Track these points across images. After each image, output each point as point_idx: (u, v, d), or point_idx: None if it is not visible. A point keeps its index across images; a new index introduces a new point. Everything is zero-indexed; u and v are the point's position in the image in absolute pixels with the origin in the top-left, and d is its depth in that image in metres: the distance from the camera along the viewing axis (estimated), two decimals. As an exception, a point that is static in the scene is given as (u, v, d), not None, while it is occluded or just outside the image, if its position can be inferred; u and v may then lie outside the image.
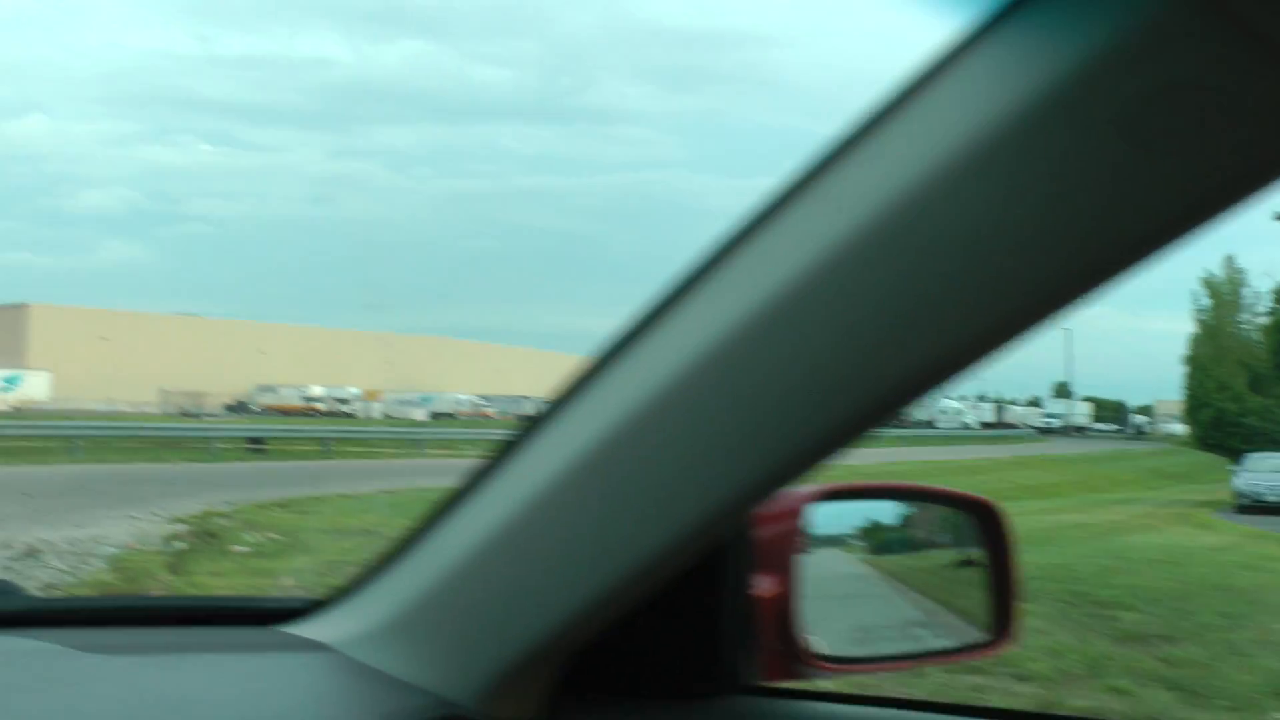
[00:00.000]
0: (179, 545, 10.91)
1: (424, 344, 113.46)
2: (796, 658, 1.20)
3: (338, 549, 11.17)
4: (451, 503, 1.06)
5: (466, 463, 1.09)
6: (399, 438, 35.35)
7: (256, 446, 29.59)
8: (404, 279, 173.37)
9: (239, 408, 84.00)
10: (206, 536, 11.35)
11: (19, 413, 61.22)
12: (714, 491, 0.89)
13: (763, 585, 1.20)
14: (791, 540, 1.21)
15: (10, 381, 71.39)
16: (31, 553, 10.39)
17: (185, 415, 74.83)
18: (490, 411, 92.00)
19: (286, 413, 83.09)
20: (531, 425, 1.00)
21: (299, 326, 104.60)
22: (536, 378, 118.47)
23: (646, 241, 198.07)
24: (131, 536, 11.96)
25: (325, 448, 29.47)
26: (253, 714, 1.00)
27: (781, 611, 1.19)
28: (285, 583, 9.25)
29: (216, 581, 9.06)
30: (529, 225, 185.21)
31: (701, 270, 0.89)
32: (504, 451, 1.02)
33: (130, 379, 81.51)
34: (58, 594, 8.43)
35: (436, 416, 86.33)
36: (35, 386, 71.63)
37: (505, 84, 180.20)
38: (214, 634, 1.24)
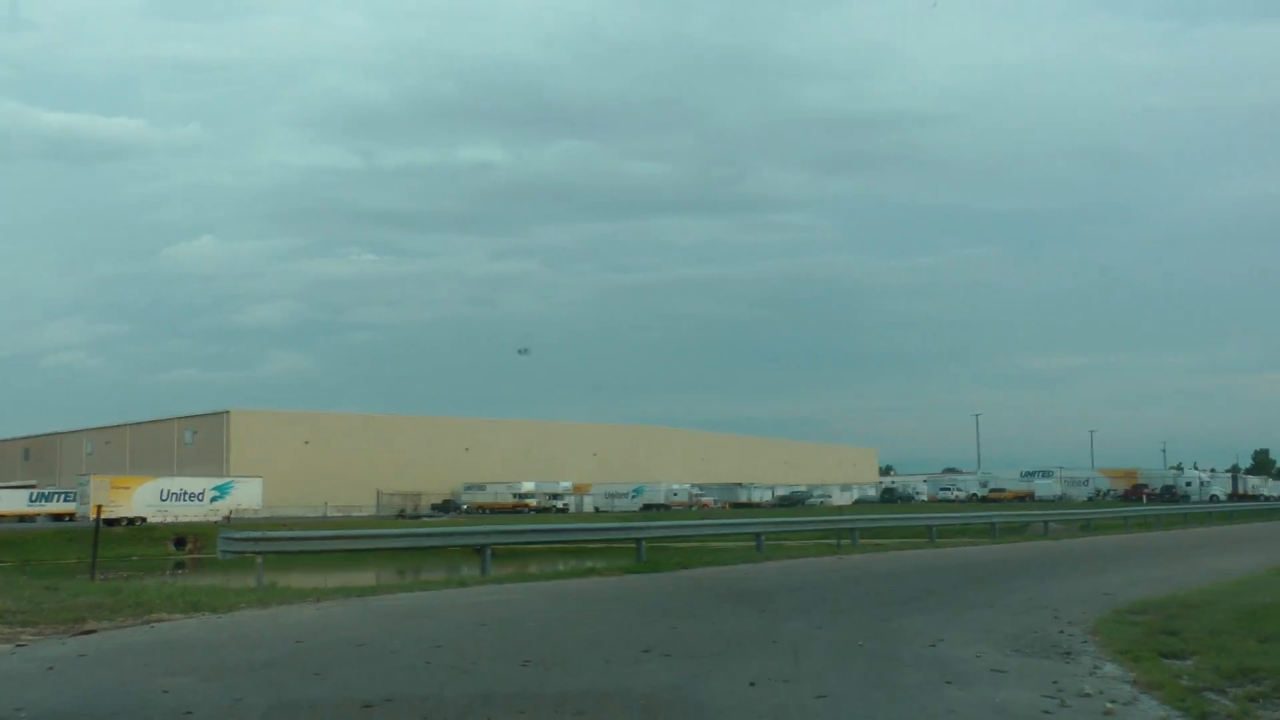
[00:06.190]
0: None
1: (626, 433, 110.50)
2: None
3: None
4: None
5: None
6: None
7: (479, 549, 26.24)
8: (565, 373, 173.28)
9: (446, 507, 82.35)
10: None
11: (230, 522, 60.09)
12: None
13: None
14: None
15: (222, 490, 71.08)
16: None
17: (402, 517, 73.41)
18: (708, 501, 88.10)
19: (496, 510, 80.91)
20: None
21: (502, 421, 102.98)
22: (738, 463, 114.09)
23: (810, 326, 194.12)
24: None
25: (758, 543, 27.05)
26: None
27: None
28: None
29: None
30: (691, 315, 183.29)
31: None
32: None
33: (336, 481, 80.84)
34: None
35: (648, 508, 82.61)
36: (247, 494, 70.98)
37: (662, 177, 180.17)
38: None
